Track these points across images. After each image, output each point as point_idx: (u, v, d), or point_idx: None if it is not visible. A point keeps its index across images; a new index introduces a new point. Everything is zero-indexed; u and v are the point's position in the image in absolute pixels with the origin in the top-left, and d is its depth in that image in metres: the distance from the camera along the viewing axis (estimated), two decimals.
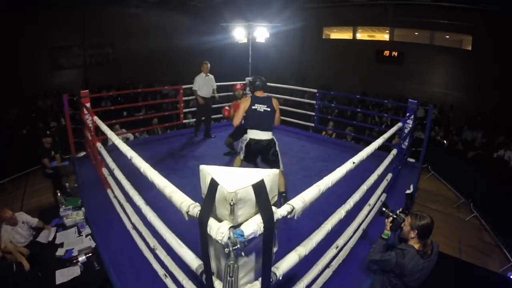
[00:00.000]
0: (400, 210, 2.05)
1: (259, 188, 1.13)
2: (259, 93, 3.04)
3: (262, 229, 1.12)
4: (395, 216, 2.01)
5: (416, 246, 1.86)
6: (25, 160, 6.14)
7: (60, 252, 3.01)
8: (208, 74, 5.04)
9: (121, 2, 12.08)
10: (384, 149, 3.84)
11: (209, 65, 5.02)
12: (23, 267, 2.77)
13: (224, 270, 1.10)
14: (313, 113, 5.78)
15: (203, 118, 5.35)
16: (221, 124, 6.56)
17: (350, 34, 12.96)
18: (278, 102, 3.06)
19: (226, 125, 6.27)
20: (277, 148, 3.04)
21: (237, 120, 3.04)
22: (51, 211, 3.86)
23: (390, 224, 2.02)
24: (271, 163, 3.00)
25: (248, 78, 6.24)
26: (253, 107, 2.94)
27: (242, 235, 1.07)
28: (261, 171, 1.23)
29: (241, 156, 3.05)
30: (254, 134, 2.95)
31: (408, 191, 2.96)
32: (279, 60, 12.83)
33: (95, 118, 3.03)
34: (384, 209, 2.08)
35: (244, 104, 2.99)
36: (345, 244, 2.21)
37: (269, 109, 2.94)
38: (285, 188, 3.01)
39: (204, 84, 5.01)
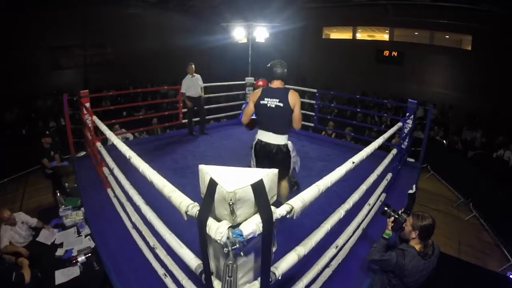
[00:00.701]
0: (402, 210, 2.05)
1: (258, 187, 1.12)
2: (275, 84, 2.40)
3: (261, 229, 1.12)
4: (397, 216, 2.01)
5: (417, 247, 1.85)
6: (24, 160, 6.13)
7: (59, 252, 3.02)
8: (195, 74, 5.13)
9: (121, 2, 12.08)
10: (384, 149, 3.85)
11: (193, 66, 5.10)
12: (23, 277, 2.67)
13: (223, 270, 1.10)
14: (313, 113, 5.78)
15: (197, 118, 5.44)
16: (221, 124, 6.55)
17: (350, 34, 12.96)
18: (298, 97, 2.39)
19: (226, 125, 6.26)
20: (292, 159, 2.49)
21: (245, 117, 2.53)
22: (51, 211, 3.86)
23: (392, 224, 2.02)
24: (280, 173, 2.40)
25: (248, 78, 6.23)
26: (262, 102, 2.36)
27: (241, 235, 1.07)
28: (260, 171, 1.22)
29: (252, 162, 2.57)
30: (262, 134, 2.45)
31: (410, 191, 2.95)
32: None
33: (94, 118, 3.04)
34: (386, 208, 2.08)
35: (253, 97, 2.41)
36: (344, 244, 2.21)
37: (281, 105, 2.32)
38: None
39: (192, 85, 5.11)
